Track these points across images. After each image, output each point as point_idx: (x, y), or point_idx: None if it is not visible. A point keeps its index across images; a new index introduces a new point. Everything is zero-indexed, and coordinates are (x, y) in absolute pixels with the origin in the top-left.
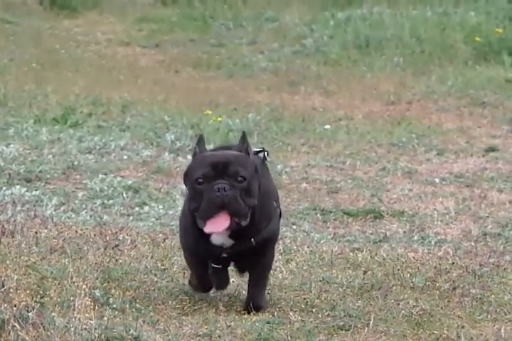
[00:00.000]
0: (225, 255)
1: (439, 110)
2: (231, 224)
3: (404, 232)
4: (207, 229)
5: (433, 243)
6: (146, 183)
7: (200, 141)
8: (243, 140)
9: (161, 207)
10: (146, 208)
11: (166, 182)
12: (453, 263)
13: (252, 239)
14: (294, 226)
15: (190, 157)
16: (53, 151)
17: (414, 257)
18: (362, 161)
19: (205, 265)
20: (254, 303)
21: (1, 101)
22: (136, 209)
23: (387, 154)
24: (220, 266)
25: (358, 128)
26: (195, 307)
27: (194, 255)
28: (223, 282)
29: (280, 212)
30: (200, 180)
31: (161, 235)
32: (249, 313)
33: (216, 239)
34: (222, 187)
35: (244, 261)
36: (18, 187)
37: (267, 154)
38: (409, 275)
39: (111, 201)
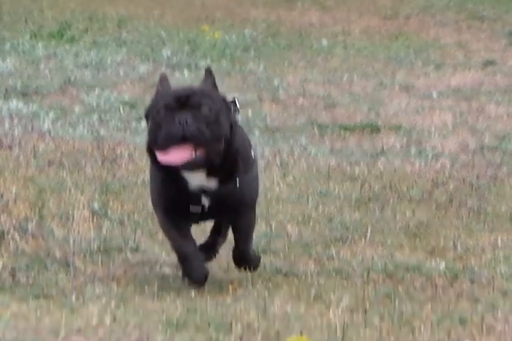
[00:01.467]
0: (205, 203)
1: (437, 24)
2: (195, 156)
3: (402, 146)
4: (163, 158)
5: (430, 156)
6: (142, 98)
7: (163, 80)
8: (208, 75)
9: None
10: (143, 123)
11: None
12: (450, 175)
13: (237, 179)
14: (291, 141)
15: (185, 71)
16: (50, 66)
17: (411, 170)
18: (359, 76)
19: (185, 226)
20: (242, 257)
21: None
22: (133, 123)
23: (385, 68)
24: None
25: (355, 43)
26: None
27: (170, 209)
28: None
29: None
30: (162, 112)
31: None
32: (240, 267)
33: (194, 180)
34: (184, 118)
35: (224, 214)
36: (14, 101)
37: (237, 104)
38: (406, 187)
39: (108, 116)
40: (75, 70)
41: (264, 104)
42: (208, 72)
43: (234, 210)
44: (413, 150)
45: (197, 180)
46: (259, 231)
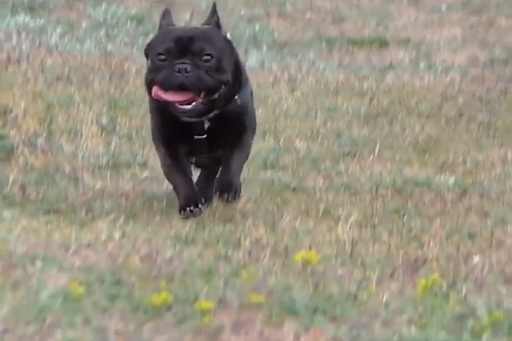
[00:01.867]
0: (205, 125)
1: None
2: (193, 105)
3: (410, 60)
4: (159, 96)
5: (439, 70)
6: (150, 13)
7: (166, 15)
8: (213, 12)
9: None
10: (151, 36)
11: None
12: (459, 89)
13: (237, 97)
14: (299, 56)
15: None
16: None
17: (420, 84)
18: None
19: (187, 165)
20: (226, 180)
21: None
22: (141, 39)
23: None
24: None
25: None
26: None
27: (171, 142)
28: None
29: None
30: (162, 57)
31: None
32: (222, 193)
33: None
34: (183, 67)
35: (222, 140)
36: (22, 15)
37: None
38: (415, 102)
39: (115, 31)
40: None
41: (272, 19)
42: (213, 9)
43: (234, 131)
44: (422, 64)
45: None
46: (268, 146)
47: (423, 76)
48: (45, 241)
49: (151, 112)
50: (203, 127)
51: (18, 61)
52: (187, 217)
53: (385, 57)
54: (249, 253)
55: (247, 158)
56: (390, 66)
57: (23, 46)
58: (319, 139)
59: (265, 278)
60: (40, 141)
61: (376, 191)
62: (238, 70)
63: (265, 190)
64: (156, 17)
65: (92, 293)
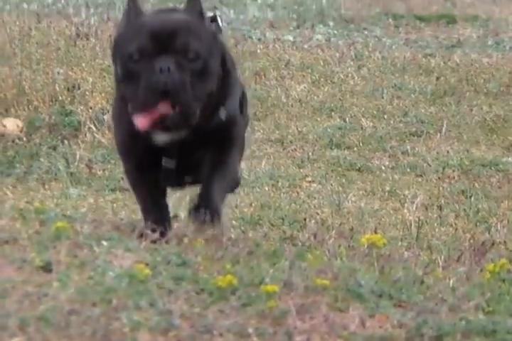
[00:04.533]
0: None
1: None
2: (172, 115)
3: (478, 37)
4: (140, 124)
5: (508, 48)
6: None
7: (133, 3)
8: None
9: (231, 11)
10: (217, 13)
11: None
12: None
13: (221, 110)
14: (366, 32)
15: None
16: None
17: (488, 62)
18: None
19: (157, 183)
20: (205, 196)
21: None
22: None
23: None
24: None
25: None
26: (267, 113)
27: (137, 160)
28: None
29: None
30: (136, 57)
31: (232, 40)
32: (197, 209)
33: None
34: (166, 67)
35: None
36: None
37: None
38: (483, 80)
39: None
40: None
41: None
42: None
43: (215, 148)
44: (490, 41)
45: (163, 136)
46: (334, 124)
47: (491, 53)
48: (111, 220)
49: (115, 113)
50: (173, 149)
51: (87, 36)
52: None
53: (453, 34)
54: (315, 235)
55: (232, 180)
56: (458, 43)
57: (92, 21)
58: (385, 118)
59: (331, 260)
60: (108, 117)
61: (443, 172)
62: (225, 72)
63: (330, 170)
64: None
65: (158, 275)
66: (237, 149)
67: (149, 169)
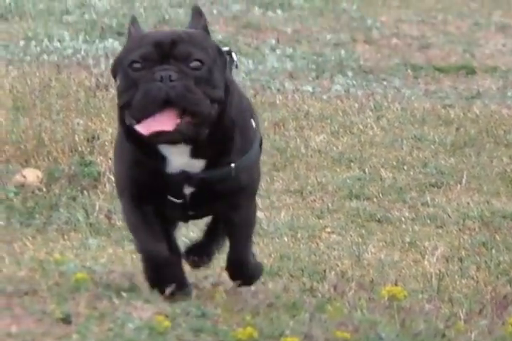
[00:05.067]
0: (188, 191)
1: None
2: (180, 124)
3: (498, 88)
4: (142, 129)
5: None
6: (235, 38)
7: (134, 22)
8: (198, 15)
9: (250, 62)
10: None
11: (256, 37)
12: None
13: (232, 165)
14: (385, 83)
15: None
16: (144, 5)
17: (508, 114)
18: (454, 16)
19: (157, 222)
20: (236, 262)
21: None
22: None
23: (481, 8)
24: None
25: None
26: (287, 163)
27: (139, 197)
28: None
29: (261, 140)
30: (137, 65)
31: (251, 91)
32: (235, 279)
33: (174, 158)
34: (167, 75)
35: (215, 208)
36: (110, 40)
37: (235, 57)
38: (503, 132)
39: None
40: (169, 9)
41: (357, 45)
42: (197, 12)
43: (227, 202)
44: (510, 92)
45: (178, 159)
46: (353, 175)
47: (511, 105)
48: (130, 271)
49: (116, 148)
50: (181, 189)
51: (106, 86)
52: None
53: (472, 85)
54: (335, 287)
55: (253, 226)
56: (477, 94)
57: None
58: (405, 169)
59: (351, 313)
60: None
61: (463, 223)
62: (231, 93)
63: (350, 221)
64: (242, 42)
65: (177, 327)
66: (254, 197)
67: (150, 206)
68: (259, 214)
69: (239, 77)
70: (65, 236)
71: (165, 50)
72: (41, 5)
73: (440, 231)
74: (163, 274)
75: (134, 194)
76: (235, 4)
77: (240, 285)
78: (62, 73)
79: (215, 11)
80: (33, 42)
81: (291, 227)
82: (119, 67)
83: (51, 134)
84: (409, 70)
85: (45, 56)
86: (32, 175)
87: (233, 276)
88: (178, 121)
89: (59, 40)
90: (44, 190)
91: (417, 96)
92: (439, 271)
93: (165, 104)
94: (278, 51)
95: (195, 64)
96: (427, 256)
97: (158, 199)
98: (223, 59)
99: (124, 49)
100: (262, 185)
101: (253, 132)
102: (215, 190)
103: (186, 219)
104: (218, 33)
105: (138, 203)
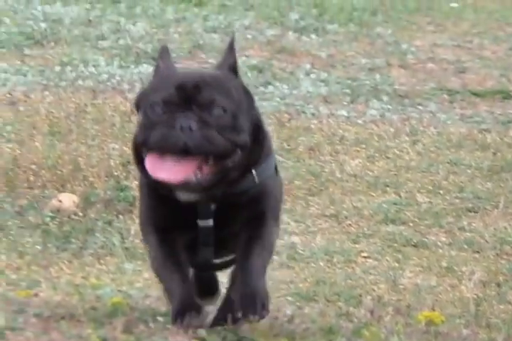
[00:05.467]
0: (211, 207)
1: None
2: (198, 176)
3: None
4: (154, 173)
5: None
6: (270, 63)
7: (164, 53)
8: (228, 51)
9: (285, 86)
10: (271, 88)
11: (290, 61)
12: None
13: (254, 172)
14: (420, 107)
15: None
16: (179, 30)
17: None
18: (490, 40)
19: (177, 252)
20: (248, 293)
21: None
22: (261, 88)
23: None
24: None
25: (486, 6)
26: (322, 188)
27: (157, 230)
28: (210, 286)
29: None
30: (158, 108)
31: (286, 115)
32: (245, 313)
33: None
34: (187, 124)
35: (232, 233)
36: (145, 65)
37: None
38: None
39: None
40: (203, 34)
41: (392, 69)
42: (229, 48)
43: (249, 218)
44: None
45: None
46: (389, 200)
47: None
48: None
49: (139, 187)
50: (208, 210)
51: None
52: (185, 328)
53: (508, 110)
54: (371, 312)
55: (270, 257)
56: None
57: None
58: (441, 193)
59: (388, 338)
60: None
61: (500, 248)
62: (259, 132)
63: (386, 245)
64: (277, 66)
65: None
66: (272, 218)
67: (178, 242)
68: (295, 238)
69: (273, 101)
70: (101, 261)
71: (188, 95)
72: (76, 30)
73: (477, 256)
74: (186, 307)
75: (159, 225)
76: (270, 29)
77: (251, 321)
78: (98, 98)
79: (249, 36)
80: (69, 68)
81: (326, 252)
82: (142, 104)
83: (87, 159)
84: (444, 95)
85: (80, 81)
86: (68, 200)
87: (246, 310)
88: (194, 170)
89: (94, 66)
90: (80, 214)
91: (453, 121)
92: (477, 295)
93: (183, 152)
94: (312, 76)
95: (218, 111)
96: (464, 281)
97: (183, 225)
98: (250, 99)
99: (149, 86)
100: (298, 209)
101: (268, 142)
102: (239, 205)
103: (207, 255)
104: (253, 58)
105: (164, 236)
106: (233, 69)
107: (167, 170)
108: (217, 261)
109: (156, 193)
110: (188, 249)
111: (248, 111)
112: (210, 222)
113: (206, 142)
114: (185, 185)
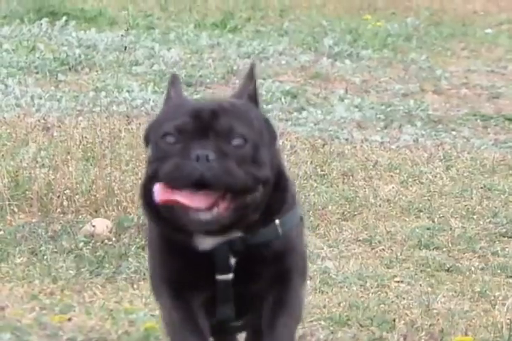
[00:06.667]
0: (232, 261)
1: None
2: (216, 213)
3: None
4: (167, 197)
5: None
6: (304, 88)
7: (175, 82)
8: (248, 78)
9: (319, 112)
10: (305, 113)
11: (324, 87)
12: None
13: (277, 222)
14: (454, 132)
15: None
16: (213, 56)
17: None
18: None
19: (195, 318)
20: None
21: (162, 6)
22: (295, 114)
23: None
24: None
25: None
26: (355, 213)
27: (171, 289)
28: None
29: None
30: (171, 138)
31: (319, 140)
32: None
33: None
34: (204, 154)
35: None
36: None
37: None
38: None
39: (269, 106)
40: (237, 60)
41: (426, 95)
42: (249, 75)
43: (273, 277)
44: None
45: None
46: (422, 225)
47: None
48: None
49: (148, 239)
50: (227, 262)
51: None
52: None
53: None
54: (405, 337)
55: (298, 324)
56: None
57: None
58: (475, 218)
59: None
60: None
61: None
62: (280, 178)
63: (419, 270)
64: (310, 92)
65: None
66: (299, 276)
67: (194, 300)
68: (328, 263)
69: (307, 127)
70: (135, 286)
71: (204, 123)
72: (110, 56)
73: (511, 280)
74: None
75: (173, 282)
76: (304, 55)
77: None
78: (132, 123)
79: (283, 62)
80: (103, 93)
81: (360, 276)
82: (152, 136)
83: (120, 184)
84: (478, 120)
85: (114, 107)
86: (101, 225)
87: None
88: (211, 205)
89: (128, 91)
90: (113, 239)
91: (487, 146)
92: (510, 320)
93: (199, 186)
94: (346, 101)
95: (237, 141)
96: (497, 306)
97: (200, 281)
98: (271, 131)
99: (159, 116)
100: (331, 234)
101: (294, 196)
102: (262, 260)
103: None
104: (287, 84)
105: (179, 296)
106: (253, 98)
107: (181, 195)
108: (237, 323)
109: (169, 244)
110: (206, 310)
111: (270, 145)
112: (230, 276)
113: (225, 174)
114: (201, 224)
